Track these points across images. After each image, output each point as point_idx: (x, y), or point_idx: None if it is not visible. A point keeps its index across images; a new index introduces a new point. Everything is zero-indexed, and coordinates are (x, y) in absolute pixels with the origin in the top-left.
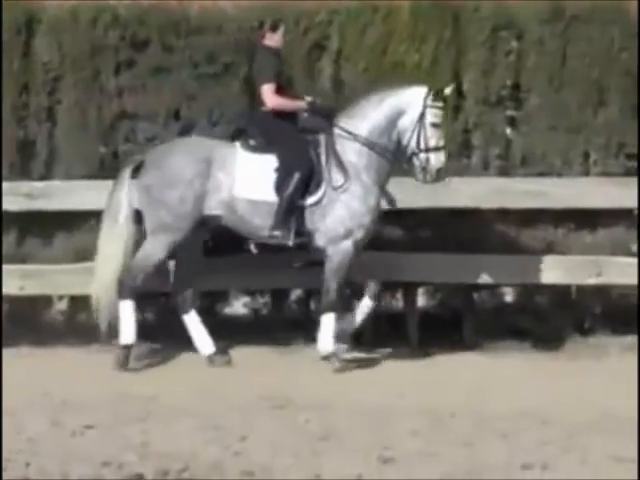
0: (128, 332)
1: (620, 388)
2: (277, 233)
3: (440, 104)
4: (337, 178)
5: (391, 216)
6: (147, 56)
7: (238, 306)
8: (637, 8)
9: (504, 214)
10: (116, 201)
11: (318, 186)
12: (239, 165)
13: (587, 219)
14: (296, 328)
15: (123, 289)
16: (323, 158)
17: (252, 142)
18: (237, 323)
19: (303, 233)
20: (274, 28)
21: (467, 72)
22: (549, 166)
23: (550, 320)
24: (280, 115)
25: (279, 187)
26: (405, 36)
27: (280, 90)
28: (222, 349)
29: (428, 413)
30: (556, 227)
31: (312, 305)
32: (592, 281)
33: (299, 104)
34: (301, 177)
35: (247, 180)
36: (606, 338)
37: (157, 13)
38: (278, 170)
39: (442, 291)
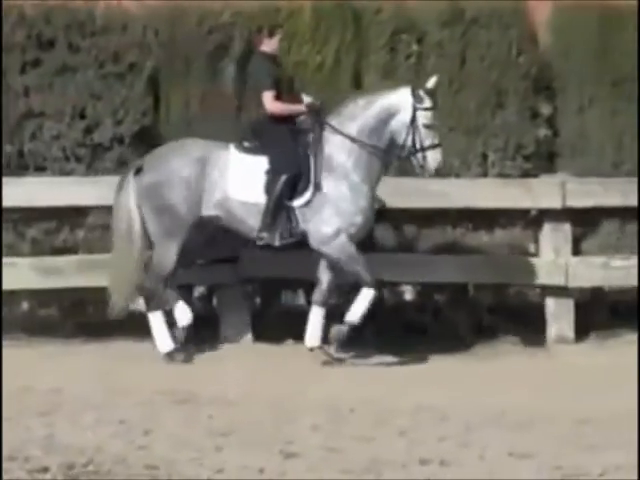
0: (165, 341)
1: (516, 385)
2: (264, 234)
3: (429, 105)
4: (326, 179)
5: None
6: (53, 55)
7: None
8: (637, 9)
9: (405, 213)
10: (122, 204)
11: (306, 187)
12: (232, 166)
13: (485, 219)
14: (199, 324)
15: (150, 300)
16: (312, 159)
17: (246, 144)
18: (142, 318)
19: (294, 234)
20: (271, 34)
21: (368, 74)
22: (448, 167)
23: (448, 318)
24: (277, 117)
25: (268, 189)
26: (307, 37)
27: (279, 95)
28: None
29: (329, 408)
30: (455, 227)
31: (214, 301)
32: (490, 280)
33: (299, 108)
34: (288, 179)
35: (240, 182)
36: (504, 336)
37: (63, 13)
38: (267, 172)
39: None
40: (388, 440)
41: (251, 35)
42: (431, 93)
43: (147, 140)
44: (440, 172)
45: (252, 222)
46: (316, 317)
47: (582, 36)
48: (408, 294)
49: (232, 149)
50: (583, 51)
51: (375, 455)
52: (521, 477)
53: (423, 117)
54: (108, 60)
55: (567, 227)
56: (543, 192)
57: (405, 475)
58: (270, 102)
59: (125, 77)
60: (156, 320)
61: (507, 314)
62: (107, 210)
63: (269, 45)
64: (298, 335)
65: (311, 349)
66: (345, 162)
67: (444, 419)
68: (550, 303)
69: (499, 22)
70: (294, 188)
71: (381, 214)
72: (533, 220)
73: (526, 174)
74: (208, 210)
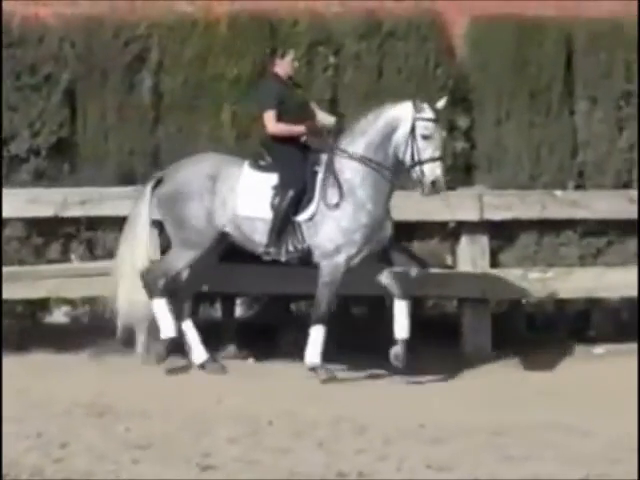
0: (168, 326)
1: (434, 397)
2: (270, 250)
3: (429, 116)
4: (331, 195)
5: None
6: None
7: (59, 315)
8: (637, 12)
9: None
10: (136, 212)
11: (310, 202)
12: (242, 183)
13: (403, 232)
14: (115, 336)
15: (153, 288)
16: (320, 176)
17: (260, 162)
18: (57, 331)
19: (299, 249)
20: (282, 55)
21: None
22: None
23: (367, 330)
24: (280, 138)
25: (274, 204)
26: (224, 49)
27: (282, 116)
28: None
29: (246, 420)
30: None
31: None
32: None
33: (299, 129)
34: (294, 195)
35: (247, 198)
36: (422, 347)
37: None
38: (274, 188)
39: (260, 301)
40: (306, 452)
41: (167, 46)
42: (434, 110)
43: (64, 152)
44: (437, 188)
45: (258, 238)
46: (316, 336)
47: (499, 49)
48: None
49: (245, 166)
50: (500, 64)
51: (293, 467)
52: None
53: (422, 128)
54: (24, 72)
55: (484, 239)
56: (460, 204)
57: None
58: (270, 122)
59: (41, 89)
60: (160, 307)
61: (424, 326)
62: (23, 222)
63: (281, 67)
64: (214, 347)
65: (312, 369)
66: (352, 179)
67: (362, 431)
68: (467, 315)
69: (416, 34)
70: (300, 203)
71: None
72: (451, 232)
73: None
74: (223, 225)
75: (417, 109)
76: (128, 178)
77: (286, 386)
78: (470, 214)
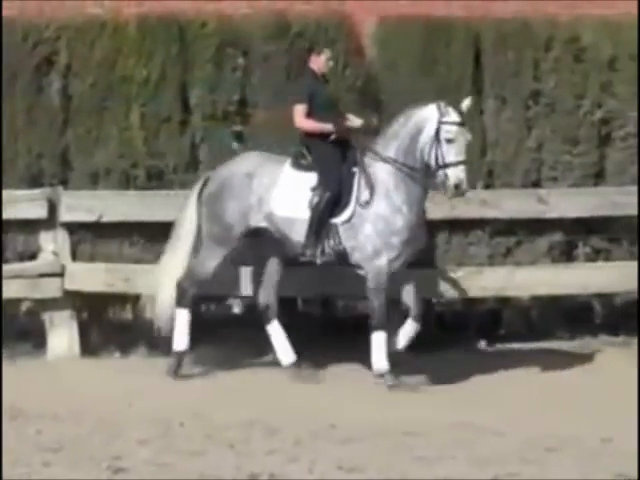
0: (182, 339)
1: (347, 398)
2: (307, 251)
3: (453, 119)
4: (366, 197)
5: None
6: None
7: None
8: (637, 11)
9: None
10: (183, 216)
11: (347, 204)
12: (280, 182)
13: None
14: (24, 338)
15: (182, 297)
16: (356, 178)
17: (302, 161)
18: None
19: (335, 252)
20: (319, 52)
21: (194, 88)
22: None
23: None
24: (316, 135)
25: (310, 205)
26: (133, 51)
27: (312, 112)
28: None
29: (158, 422)
30: None
31: (43, 315)
32: (318, 293)
33: (327, 127)
34: (330, 196)
35: (285, 197)
36: (334, 348)
37: None
38: (312, 189)
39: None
40: (218, 454)
41: (75, 48)
42: (459, 112)
43: None
44: (461, 191)
45: (295, 237)
46: (377, 342)
47: (407, 49)
48: (237, 308)
49: (286, 165)
50: (408, 64)
51: (204, 469)
52: None
53: (446, 131)
54: None
55: None
56: None
57: None
58: (299, 117)
59: None
60: (181, 317)
61: (337, 326)
62: None
63: (316, 63)
64: (125, 349)
65: (380, 375)
66: (387, 182)
67: (273, 433)
68: None
69: (325, 35)
70: (335, 205)
71: None
72: None
73: None
74: (257, 222)
75: (441, 112)
76: (37, 180)
77: (198, 388)
78: None
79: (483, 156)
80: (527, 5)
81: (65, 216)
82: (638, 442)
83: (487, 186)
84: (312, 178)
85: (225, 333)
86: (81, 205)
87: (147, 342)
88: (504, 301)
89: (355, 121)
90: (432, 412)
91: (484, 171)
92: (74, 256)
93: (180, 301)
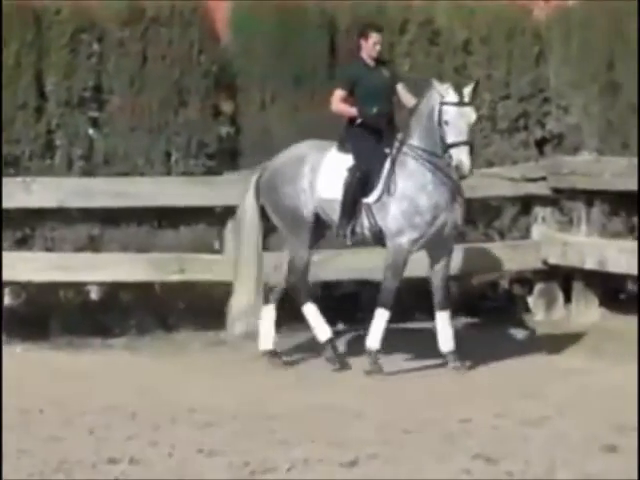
0: (322, 328)
1: (206, 383)
2: (340, 231)
3: (452, 100)
4: (393, 179)
5: None
6: None
7: None
8: (637, 8)
9: (88, 213)
10: (243, 207)
11: (376, 185)
12: (325, 165)
13: (170, 217)
14: None
15: (298, 295)
16: (388, 160)
17: (345, 144)
18: None
19: (374, 232)
20: (366, 36)
21: (49, 74)
22: (132, 166)
23: (135, 317)
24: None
25: (344, 186)
26: None
27: (355, 97)
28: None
29: (18, 410)
30: (140, 225)
31: None
32: (175, 278)
33: (350, 111)
34: (360, 176)
35: (328, 180)
36: (189, 333)
37: None
38: (347, 170)
39: (27, 290)
40: (77, 440)
41: None
42: (460, 94)
43: None
44: (460, 172)
45: (336, 219)
46: (377, 319)
47: (262, 34)
48: (94, 293)
49: (333, 149)
50: (263, 49)
51: (65, 455)
52: (210, 474)
53: (445, 113)
54: None
55: None
56: (227, 189)
57: (95, 475)
58: (334, 101)
59: None
60: (309, 312)
61: (194, 311)
62: None
63: (365, 48)
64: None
65: (369, 352)
66: (412, 163)
67: (133, 418)
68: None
69: (180, 21)
70: (365, 185)
71: (63, 214)
72: (217, 217)
73: (209, 172)
74: (313, 206)
75: (441, 94)
76: None
77: (55, 374)
78: (237, 199)
79: None
80: None
81: None
82: (638, 441)
83: None
84: (349, 160)
85: (83, 318)
86: None
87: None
88: (362, 284)
89: (412, 102)
90: (291, 396)
91: None
92: None
93: (299, 300)
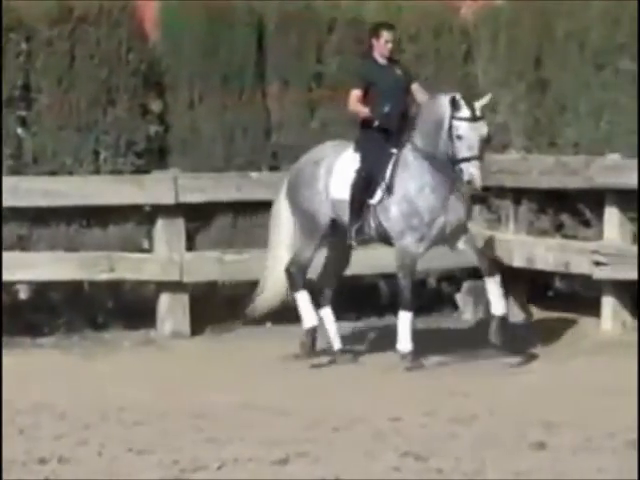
0: (310, 315)
1: (134, 381)
2: (348, 232)
3: (464, 115)
4: (398, 179)
5: None
6: None
7: None
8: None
9: (17, 212)
10: (276, 208)
11: (378, 186)
12: (338, 165)
13: (99, 216)
14: None
15: (292, 283)
16: (392, 162)
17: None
18: None
19: (380, 232)
20: (378, 35)
21: None
22: (60, 165)
23: (64, 316)
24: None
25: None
26: None
27: (370, 97)
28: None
29: None
30: (69, 224)
31: None
32: (104, 277)
33: (361, 110)
34: (363, 177)
35: (341, 180)
36: (119, 332)
37: None
38: (354, 170)
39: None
40: (7, 439)
41: None
42: (471, 109)
43: None
44: (472, 187)
45: (346, 219)
46: (402, 322)
47: (190, 33)
48: (23, 293)
49: (349, 150)
50: (192, 48)
51: None
52: (140, 472)
53: (457, 127)
54: None
55: (180, 222)
56: (156, 188)
57: (25, 474)
58: (350, 101)
59: None
60: (301, 298)
61: (123, 310)
62: None
63: (377, 48)
64: None
65: (404, 356)
66: (413, 165)
67: (62, 417)
68: (165, 298)
69: (108, 20)
70: (369, 186)
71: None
72: (146, 216)
73: (138, 170)
74: (329, 209)
75: (453, 107)
76: None
77: None
78: (165, 197)
79: (268, 139)
80: None
81: None
82: (638, 437)
83: (272, 168)
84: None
85: (12, 319)
86: None
87: None
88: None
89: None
90: (221, 394)
91: (269, 153)
92: None
93: (292, 287)
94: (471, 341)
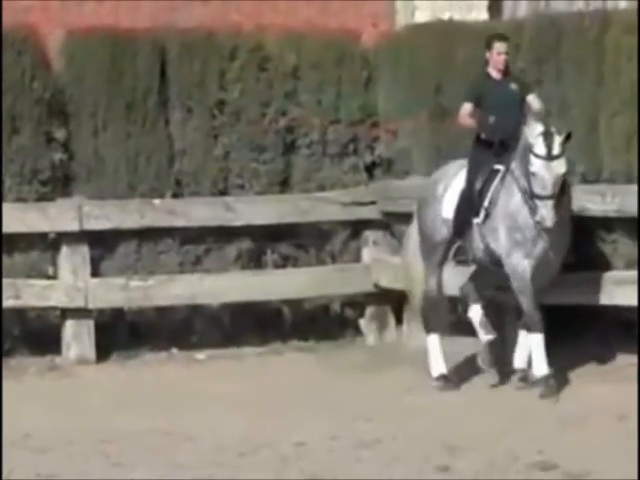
0: (439, 365)
1: (40, 407)
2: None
3: (540, 153)
4: (502, 196)
5: None
6: None
7: None
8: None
9: None
10: (409, 231)
11: (482, 206)
12: (454, 185)
13: (4, 243)
14: None
15: (426, 324)
16: (497, 179)
17: None
18: None
19: (488, 252)
20: (489, 47)
21: None
22: None
23: None
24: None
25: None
26: None
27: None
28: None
29: None
30: None
31: None
32: (10, 303)
33: (468, 122)
34: (466, 195)
35: (451, 199)
36: (25, 359)
37: None
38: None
39: None
40: None
41: None
42: (549, 140)
43: None
44: (544, 226)
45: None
46: (534, 345)
47: (95, 61)
48: None
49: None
50: (96, 76)
51: None
52: None
53: (532, 164)
54: None
55: (85, 249)
56: (60, 216)
57: None
58: (460, 114)
59: None
60: (432, 342)
61: (29, 337)
62: None
63: (491, 60)
64: None
65: (542, 380)
66: (514, 183)
67: None
68: (70, 325)
69: (12, 47)
70: (471, 206)
71: None
72: (51, 243)
73: (43, 198)
74: (444, 230)
75: (532, 142)
76: None
77: None
78: (70, 225)
79: (171, 166)
80: (211, 14)
81: None
82: (638, 451)
83: (175, 195)
84: None
85: None
86: None
87: None
88: (195, 308)
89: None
90: (126, 419)
91: (172, 180)
92: None
93: (425, 328)
94: (373, 366)
